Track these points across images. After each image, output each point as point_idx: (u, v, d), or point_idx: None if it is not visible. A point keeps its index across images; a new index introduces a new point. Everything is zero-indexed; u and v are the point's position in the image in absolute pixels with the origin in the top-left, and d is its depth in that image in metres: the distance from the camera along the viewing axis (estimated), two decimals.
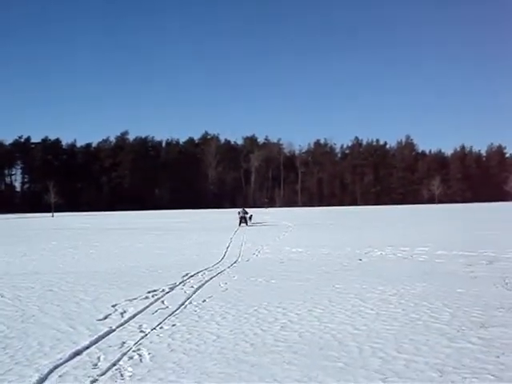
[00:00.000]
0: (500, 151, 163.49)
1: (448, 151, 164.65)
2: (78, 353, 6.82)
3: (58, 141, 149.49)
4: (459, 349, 6.61)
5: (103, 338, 7.55)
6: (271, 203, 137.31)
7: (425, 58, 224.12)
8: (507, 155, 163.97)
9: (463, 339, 7.03)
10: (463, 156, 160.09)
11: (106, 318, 8.80)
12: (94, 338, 7.45)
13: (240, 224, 43.15)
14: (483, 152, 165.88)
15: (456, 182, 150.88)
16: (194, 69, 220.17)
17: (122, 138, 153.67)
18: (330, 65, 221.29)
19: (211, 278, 12.94)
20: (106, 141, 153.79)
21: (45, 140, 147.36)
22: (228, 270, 14.65)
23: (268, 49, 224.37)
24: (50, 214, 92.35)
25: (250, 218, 46.44)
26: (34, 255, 20.32)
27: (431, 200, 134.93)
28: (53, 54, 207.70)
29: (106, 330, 7.93)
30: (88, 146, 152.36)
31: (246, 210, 47.44)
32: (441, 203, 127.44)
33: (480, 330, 7.51)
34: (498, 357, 6.27)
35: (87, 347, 7.08)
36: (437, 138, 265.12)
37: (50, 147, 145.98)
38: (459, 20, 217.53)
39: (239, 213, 46.13)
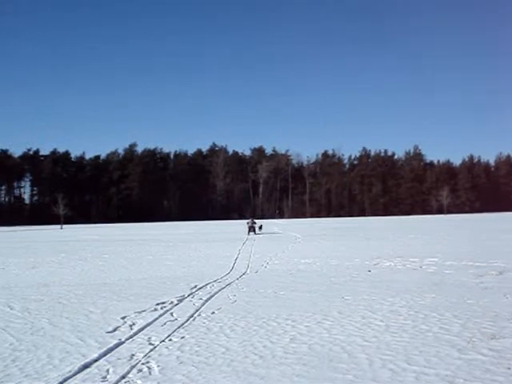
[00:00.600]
0: (509, 161, 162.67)
1: (456, 161, 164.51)
2: (87, 365, 6.83)
3: (66, 153, 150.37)
4: (470, 360, 6.57)
5: (112, 350, 7.55)
6: (281, 214, 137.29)
7: (432, 68, 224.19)
8: None
9: (474, 351, 6.99)
10: (472, 166, 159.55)
11: (115, 330, 8.81)
12: (103, 351, 7.45)
13: (249, 233, 46.57)
14: (492, 162, 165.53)
15: (465, 192, 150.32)
16: (202, 80, 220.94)
17: (130, 150, 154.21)
18: (337, 75, 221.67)
19: (220, 290, 12.92)
20: (114, 153, 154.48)
21: (54, 152, 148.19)
22: (237, 281, 14.63)
23: (275, 59, 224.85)
24: (59, 226, 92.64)
25: (260, 227, 50.46)
26: (43, 267, 20.37)
27: (440, 210, 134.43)
28: (60, 64, 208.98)
29: (115, 342, 7.94)
30: (97, 158, 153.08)
31: (255, 220, 51.53)
32: (450, 213, 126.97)
33: (491, 341, 7.46)
34: (509, 368, 6.23)
35: (96, 360, 7.08)
36: (445, 149, 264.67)
37: (59, 160, 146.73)
38: (468, 29, 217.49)
39: (248, 223, 49.99)
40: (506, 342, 7.40)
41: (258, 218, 68.09)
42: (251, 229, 48.24)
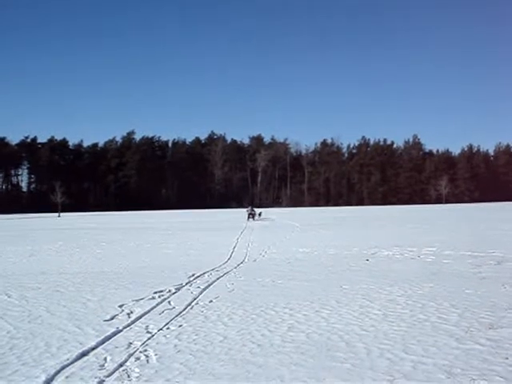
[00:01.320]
0: (508, 150, 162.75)
1: (455, 151, 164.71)
2: (84, 353, 6.82)
3: (64, 141, 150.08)
4: (467, 350, 6.57)
5: (110, 338, 7.54)
6: (278, 203, 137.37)
7: (431, 57, 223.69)
8: None
9: (471, 340, 6.99)
10: (471, 155, 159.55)
11: (112, 318, 8.79)
12: (100, 339, 7.44)
13: (248, 219, 52.26)
14: (491, 151, 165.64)
15: (463, 182, 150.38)
16: (200, 68, 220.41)
17: (128, 138, 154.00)
18: (335, 64, 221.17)
19: (218, 279, 12.92)
20: (112, 141, 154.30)
21: (51, 140, 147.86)
22: (235, 270, 14.63)
23: (274, 48, 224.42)
24: (57, 214, 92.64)
25: (260, 214, 57.68)
26: (40, 255, 20.36)
27: (439, 200, 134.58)
28: (58, 53, 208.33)
29: (112, 330, 7.93)
30: (94, 146, 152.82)
31: (254, 208, 58.11)
32: (448, 203, 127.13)
33: (488, 331, 7.46)
34: (507, 358, 6.22)
35: (94, 348, 7.07)
36: (444, 138, 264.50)
37: (57, 147, 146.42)
38: (467, 20, 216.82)
39: (247, 210, 56.88)
40: (504, 331, 7.39)
41: (256, 207, 68.63)
42: (250, 215, 54.32)
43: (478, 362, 6.10)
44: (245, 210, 62.31)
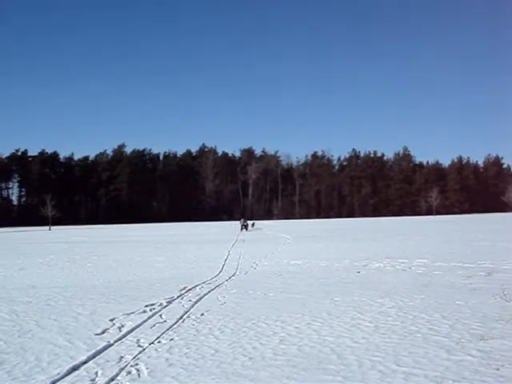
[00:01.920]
0: (497, 162, 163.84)
1: (445, 162, 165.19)
2: (75, 368, 6.80)
3: (55, 154, 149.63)
4: (459, 361, 6.59)
5: (101, 352, 7.51)
6: (270, 215, 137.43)
7: (421, 69, 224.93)
8: (504, 166, 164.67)
9: (462, 352, 7.01)
10: (461, 167, 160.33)
11: (103, 332, 8.77)
12: (91, 353, 7.42)
13: (241, 230, 58.01)
14: (480, 163, 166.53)
15: (454, 193, 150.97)
16: (191, 81, 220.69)
17: (119, 151, 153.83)
18: (326, 76, 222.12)
19: (209, 292, 12.90)
20: (103, 154, 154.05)
21: (42, 153, 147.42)
22: (226, 283, 14.61)
23: (264, 61, 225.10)
24: (48, 228, 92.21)
25: (253, 225, 65.41)
26: (31, 269, 20.27)
27: (429, 211, 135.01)
28: (48, 65, 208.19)
29: (103, 344, 7.90)
30: (85, 158, 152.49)
31: (247, 220, 65.64)
32: (439, 214, 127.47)
33: (479, 342, 7.48)
34: (498, 369, 6.25)
35: (85, 362, 7.05)
36: (434, 150, 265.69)
37: (48, 160, 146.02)
38: (457, 32, 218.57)
39: (240, 222, 63.43)
40: (495, 342, 7.42)
41: (248, 219, 70.74)
42: (243, 226, 60.52)
43: (470, 373, 6.11)
44: (238, 222, 69.39)
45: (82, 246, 36.97)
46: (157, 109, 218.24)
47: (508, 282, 13.20)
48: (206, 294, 12.63)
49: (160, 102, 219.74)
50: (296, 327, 8.76)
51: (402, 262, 18.64)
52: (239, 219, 69.85)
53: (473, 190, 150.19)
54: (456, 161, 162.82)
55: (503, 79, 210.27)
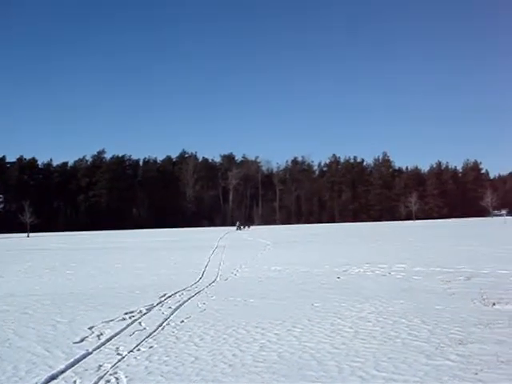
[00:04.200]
0: (476, 167, 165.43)
1: (424, 168, 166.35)
2: (53, 377, 6.73)
3: (33, 160, 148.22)
4: (438, 366, 6.62)
5: (79, 361, 7.44)
6: (250, 221, 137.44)
7: (400, 74, 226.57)
8: (483, 171, 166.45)
9: (442, 356, 7.05)
10: (439, 172, 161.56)
11: (82, 340, 8.69)
12: (70, 362, 7.35)
13: (237, 230, 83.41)
14: (459, 168, 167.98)
15: (433, 198, 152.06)
16: (171, 87, 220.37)
17: (98, 157, 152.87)
18: (306, 83, 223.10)
19: (189, 299, 12.85)
20: (82, 160, 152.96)
21: (20, 159, 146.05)
22: (206, 289, 14.57)
23: (244, 67, 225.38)
24: (26, 235, 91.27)
25: (249, 226, 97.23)
26: (8, 277, 20.04)
27: (408, 216, 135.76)
28: (26, 70, 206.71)
29: (82, 353, 7.83)
30: (64, 165, 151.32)
31: (241, 223, 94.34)
32: (418, 219, 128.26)
33: (458, 346, 7.53)
34: (477, 373, 6.29)
35: (63, 371, 6.97)
36: (413, 155, 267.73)
37: (26, 166, 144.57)
38: (435, 35, 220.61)
39: (237, 223, 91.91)
40: (474, 347, 7.47)
41: (229, 226, 75.57)
42: (238, 227, 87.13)
43: (448, 378, 6.15)
44: (235, 226, 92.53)
45: (61, 252, 36.65)
46: (136, 115, 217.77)
47: (487, 286, 13.32)
48: (186, 300, 12.58)
49: (139, 107, 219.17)
50: (276, 333, 8.76)
51: (382, 267, 18.73)
52: (237, 221, 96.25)
53: (452, 194, 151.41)
54: (435, 166, 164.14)
55: (483, 84, 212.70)
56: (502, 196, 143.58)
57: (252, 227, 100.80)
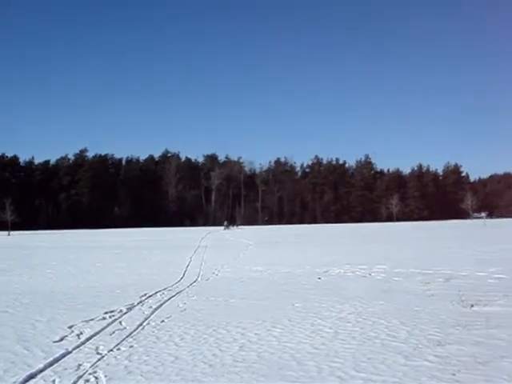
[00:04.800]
0: (456, 170, 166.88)
1: (406, 170, 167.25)
2: (32, 376, 6.70)
3: (15, 158, 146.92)
4: (416, 367, 6.68)
5: (59, 360, 7.41)
6: (233, 221, 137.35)
7: (382, 77, 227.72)
8: (463, 174, 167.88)
9: (420, 357, 7.11)
10: (420, 175, 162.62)
11: (62, 339, 8.65)
12: (49, 361, 7.31)
13: (224, 229, 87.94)
14: (440, 171, 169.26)
15: (414, 200, 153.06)
16: (154, 86, 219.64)
17: (80, 156, 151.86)
18: (288, 84, 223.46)
19: (170, 298, 12.84)
20: (64, 158, 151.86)
21: (2, 157, 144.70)
22: (187, 289, 14.56)
23: (228, 68, 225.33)
24: (6, 233, 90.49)
25: (236, 225, 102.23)
26: None
27: (389, 218, 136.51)
28: (7, 65, 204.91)
29: (61, 352, 7.80)
30: (46, 163, 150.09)
31: (228, 222, 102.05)
32: (399, 221, 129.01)
33: (436, 347, 7.60)
34: (454, 374, 6.36)
35: (42, 370, 6.94)
36: (395, 158, 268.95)
37: (7, 164, 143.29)
38: (423, 35, 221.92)
39: (225, 223, 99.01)
40: (452, 348, 7.55)
41: (211, 226, 75.36)
42: (226, 227, 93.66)
43: (426, 379, 6.21)
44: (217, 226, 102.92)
45: (42, 251, 36.40)
46: (119, 114, 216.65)
47: (465, 287, 13.44)
48: (167, 300, 12.57)
49: (123, 106, 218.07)
50: (256, 333, 8.78)
51: (362, 268, 18.83)
52: (217, 224, 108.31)
53: (432, 197, 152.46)
54: (416, 169, 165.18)
55: (464, 88, 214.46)
56: (482, 199, 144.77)
57: (241, 227, 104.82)
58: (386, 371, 6.54)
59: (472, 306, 10.83)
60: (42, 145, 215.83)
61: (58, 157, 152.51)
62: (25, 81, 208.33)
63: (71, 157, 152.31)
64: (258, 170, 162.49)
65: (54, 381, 6.51)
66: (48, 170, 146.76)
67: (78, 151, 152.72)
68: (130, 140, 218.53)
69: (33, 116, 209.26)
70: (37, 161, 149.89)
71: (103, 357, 7.55)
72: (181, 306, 11.78)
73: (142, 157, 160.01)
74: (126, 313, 10.90)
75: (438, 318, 9.71)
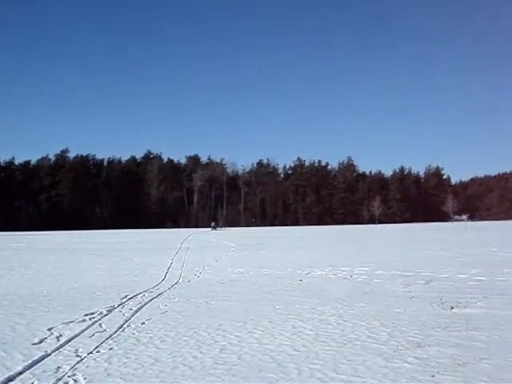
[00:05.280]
0: (437, 173, 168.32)
1: (388, 172, 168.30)
2: (10, 379, 6.64)
3: None
4: (396, 368, 6.71)
5: (38, 362, 7.35)
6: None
7: (363, 79, 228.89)
8: (445, 177, 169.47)
9: (400, 359, 7.14)
10: (402, 177, 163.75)
11: (41, 342, 8.58)
12: (28, 363, 7.25)
13: (211, 230, 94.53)
14: (422, 173, 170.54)
15: (395, 203, 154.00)
16: (136, 87, 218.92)
17: (62, 156, 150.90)
18: (271, 85, 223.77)
19: (151, 300, 12.79)
20: (45, 158, 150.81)
21: None
22: (168, 291, 14.51)
23: (210, 69, 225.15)
24: None
25: (220, 226, 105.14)
26: None
27: (371, 220, 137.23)
28: None
29: (40, 354, 7.74)
30: (27, 163, 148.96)
31: (216, 223, 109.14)
32: (381, 223, 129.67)
33: (416, 349, 7.64)
34: (434, 376, 6.39)
35: (21, 373, 6.88)
36: (377, 160, 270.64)
37: None
38: (395, 38, 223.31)
39: (212, 223, 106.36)
40: (431, 350, 7.59)
41: (193, 227, 74.66)
42: (212, 228, 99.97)
43: (406, 380, 6.24)
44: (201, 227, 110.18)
45: (22, 252, 36.06)
46: (101, 114, 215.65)
47: (445, 290, 13.54)
48: (148, 302, 12.51)
49: (104, 107, 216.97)
50: (237, 335, 8.77)
51: (344, 270, 18.90)
52: (212, 222, 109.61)
53: (414, 199, 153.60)
54: (398, 171, 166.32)
55: (447, 90, 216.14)
56: (463, 201, 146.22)
57: (227, 229, 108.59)
58: (365, 373, 6.56)
59: (452, 308, 10.91)
60: (23, 145, 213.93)
61: (39, 157, 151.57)
62: (3, 80, 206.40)
63: (52, 157, 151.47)
64: (240, 172, 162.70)
65: (32, 383, 6.46)
66: (28, 171, 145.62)
67: (59, 151, 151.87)
68: (112, 141, 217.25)
69: (13, 115, 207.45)
70: (17, 161, 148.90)
71: (83, 359, 7.50)
72: (162, 307, 11.73)
73: (124, 158, 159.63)
74: (106, 315, 10.84)
75: (418, 319, 9.77)
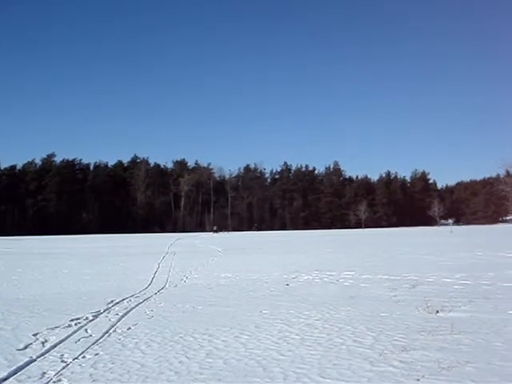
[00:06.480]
0: (423, 177, 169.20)
1: (374, 177, 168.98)
2: None
3: None
4: (381, 372, 6.74)
5: (23, 368, 7.31)
6: (202, 228, 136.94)
7: (350, 83, 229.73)
8: (431, 181, 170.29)
9: (385, 363, 7.18)
10: (389, 182, 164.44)
11: (26, 347, 8.53)
12: (12, 369, 7.20)
13: (213, 234, 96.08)
14: (408, 178, 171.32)
15: (382, 207, 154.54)
16: (124, 92, 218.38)
17: (48, 161, 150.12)
18: (258, 90, 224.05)
19: (137, 305, 12.75)
20: (31, 163, 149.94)
21: None
22: (155, 296, 14.47)
23: (196, 73, 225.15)
24: None
25: (221, 230, 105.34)
26: None
27: (358, 224, 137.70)
28: None
29: (25, 360, 7.69)
30: (12, 167, 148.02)
31: (217, 228, 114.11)
32: (367, 228, 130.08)
33: (402, 353, 7.68)
34: (419, 379, 6.43)
35: (5, 379, 6.84)
36: (363, 165, 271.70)
37: None
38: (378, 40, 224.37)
39: (214, 227, 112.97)
40: (416, 353, 7.63)
41: (180, 232, 73.93)
42: (213, 232, 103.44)
43: None
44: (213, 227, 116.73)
45: (7, 257, 35.82)
46: (88, 118, 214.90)
47: (431, 294, 13.62)
48: (134, 307, 12.48)
49: (90, 111, 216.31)
50: (223, 340, 8.77)
51: (331, 275, 18.94)
52: (213, 227, 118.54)
53: (400, 204, 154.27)
54: (384, 175, 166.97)
55: (432, 94, 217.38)
56: (449, 206, 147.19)
57: (228, 233, 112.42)
58: (351, 377, 6.58)
59: (437, 311, 10.97)
60: (8, 149, 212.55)
61: (25, 161, 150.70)
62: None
63: (38, 161, 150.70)
64: (227, 177, 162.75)
65: None
66: (14, 175, 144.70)
67: (45, 156, 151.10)
68: (99, 145, 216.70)
69: None
70: (3, 165, 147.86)
71: (68, 365, 7.46)
72: (148, 312, 11.71)
73: (111, 162, 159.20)
74: (92, 320, 10.80)
75: (403, 323, 9.82)
